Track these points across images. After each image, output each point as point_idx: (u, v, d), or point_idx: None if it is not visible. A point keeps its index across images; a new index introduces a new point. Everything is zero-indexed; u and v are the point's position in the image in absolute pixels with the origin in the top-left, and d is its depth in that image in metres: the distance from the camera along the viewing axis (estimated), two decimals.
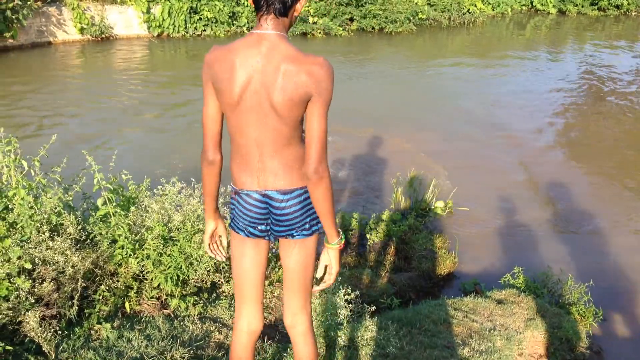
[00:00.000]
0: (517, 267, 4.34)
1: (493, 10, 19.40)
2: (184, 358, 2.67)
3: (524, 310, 3.72)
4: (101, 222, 3.26)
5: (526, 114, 9.19)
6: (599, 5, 20.77)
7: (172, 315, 3.21)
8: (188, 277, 3.22)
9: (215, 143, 1.94)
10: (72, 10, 13.01)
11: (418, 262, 4.76)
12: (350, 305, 3.02)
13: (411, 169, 6.15)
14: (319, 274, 2.00)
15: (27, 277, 2.75)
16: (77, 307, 2.91)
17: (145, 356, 2.63)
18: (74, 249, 2.98)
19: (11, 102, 9.08)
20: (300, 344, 2.08)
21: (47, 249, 2.92)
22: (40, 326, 2.61)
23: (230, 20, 14.63)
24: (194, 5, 14.16)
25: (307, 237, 1.99)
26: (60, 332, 2.76)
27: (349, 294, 3.00)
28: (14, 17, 11.56)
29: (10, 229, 3.00)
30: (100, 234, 3.19)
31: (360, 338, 3.04)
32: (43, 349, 2.57)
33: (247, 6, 14.78)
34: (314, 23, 15.31)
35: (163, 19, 13.93)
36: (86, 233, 3.21)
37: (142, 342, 2.73)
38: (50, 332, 2.62)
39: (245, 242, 2.04)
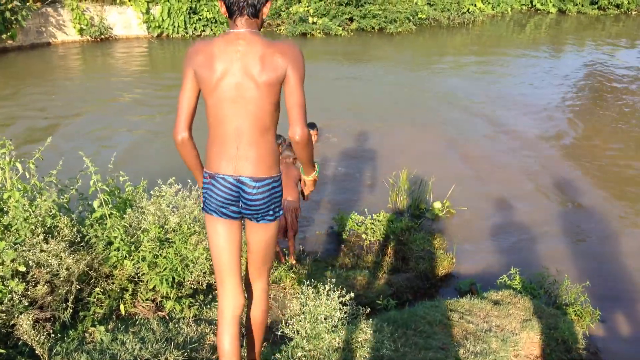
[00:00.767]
0: (513, 268, 4.34)
1: (493, 9, 19.37)
2: None
3: (520, 311, 3.71)
4: (97, 224, 3.26)
5: (526, 114, 9.17)
6: (599, 5, 20.73)
7: (167, 318, 3.20)
8: (184, 279, 3.21)
9: (185, 121, 2.18)
10: (72, 11, 13.01)
11: (415, 263, 4.75)
12: (345, 307, 3.01)
13: (410, 168, 6.13)
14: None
15: (21, 280, 2.74)
16: (71, 310, 2.90)
17: (138, 359, 2.63)
18: (68, 252, 2.97)
19: (10, 102, 9.09)
20: (257, 299, 2.45)
21: (42, 251, 2.91)
22: (34, 329, 2.60)
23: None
24: (194, 6, 14.15)
25: (270, 223, 2.26)
26: (53, 335, 2.75)
27: (344, 296, 3.00)
28: (13, 18, 11.57)
29: (5, 232, 3.00)
30: (96, 236, 3.18)
31: (354, 340, 3.03)
32: (36, 352, 2.56)
33: None
34: (314, 23, 15.30)
35: (162, 20, 13.93)
36: (81, 235, 3.20)
37: (136, 344, 2.72)
38: (43, 335, 2.60)
39: (218, 222, 2.25)
